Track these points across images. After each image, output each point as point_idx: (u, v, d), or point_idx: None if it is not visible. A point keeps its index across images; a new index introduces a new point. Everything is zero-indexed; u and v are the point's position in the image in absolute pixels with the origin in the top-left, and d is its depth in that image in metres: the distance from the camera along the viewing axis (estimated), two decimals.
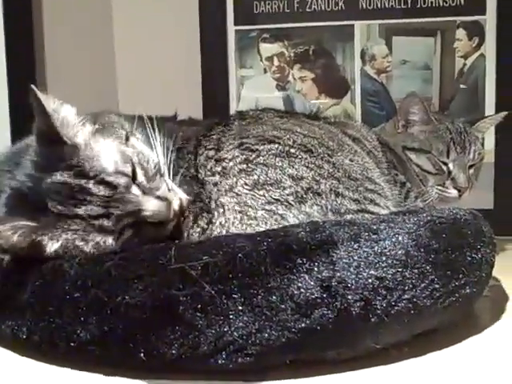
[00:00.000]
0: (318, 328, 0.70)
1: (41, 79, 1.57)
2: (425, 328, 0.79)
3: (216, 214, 0.86)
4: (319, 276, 0.71)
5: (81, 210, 0.77)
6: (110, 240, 0.78)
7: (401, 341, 0.77)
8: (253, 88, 1.64)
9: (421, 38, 1.58)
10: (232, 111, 1.62)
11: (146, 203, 0.79)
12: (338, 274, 0.71)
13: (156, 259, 0.73)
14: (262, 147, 0.90)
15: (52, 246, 0.78)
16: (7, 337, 0.81)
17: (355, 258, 0.73)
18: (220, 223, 0.85)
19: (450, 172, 1.21)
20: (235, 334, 0.70)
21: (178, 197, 0.82)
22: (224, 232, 0.83)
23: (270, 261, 0.71)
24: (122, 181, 0.79)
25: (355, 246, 0.73)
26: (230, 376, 0.73)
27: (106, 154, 0.80)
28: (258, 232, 0.77)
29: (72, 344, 0.75)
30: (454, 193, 1.20)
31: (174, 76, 1.67)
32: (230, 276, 0.70)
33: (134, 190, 0.80)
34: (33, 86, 0.77)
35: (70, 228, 0.77)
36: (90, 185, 0.77)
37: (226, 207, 0.86)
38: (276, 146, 0.90)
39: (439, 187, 1.20)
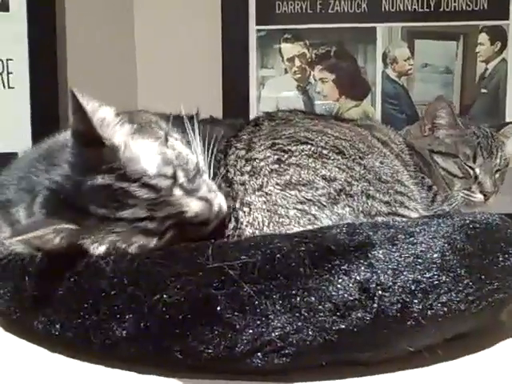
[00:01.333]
0: (355, 330, 0.70)
1: (61, 73, 1.58)
2: (458, 332, 0.79)
3: (241, 213, 0.86)
4: (357, 278, 0.71)
5: (125, 213, 0.76)
6: (154, 241, 0.78)
7: (434, 344, 0.77)
8: (273, 88, 1.64)
9: (443, 41, 1.58)
10: (252, 111, 1.62)
11: (189, 204, 0.79)
12: (376, 276, 0.71)
13: (194, 258, 0.73)
14: (294, 148, 0.90)
15: (97, 250, 0.77)
16: (39, 333, 0.81)
17: (393, 260, 0.73)
18: (248, 222, 0.85)
19: (476, 176, 1.20)
20: (273, 334, 0.69)
21: (218, 197, 0.83)
22: (257, 232, 0.83)
23: (309, 262, 0.71)
24: (164, 183, 0.78)
25: (393, 248, 0.73)
26: (265, 376, 0.72)
27: (147, 155, 0.79)
28: (294, 233, 0.77)
29: (107, 341, 0.75)
30: (480, 197, 1.20)
31: (195, 75, 1.66)
32: (269, 276, 0.70)
33: (177, 191, 0.79)
34: (72, 88, 0.75)
35: (113, 231, 0.77)
36: (133, 188, 0.76)
37: (253, 206, 0.85)
38: (309, 146, 0.90)
39: (465, 191, 1.20)
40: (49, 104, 1.52)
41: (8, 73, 1.49)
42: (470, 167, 1.21)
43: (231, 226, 0.85)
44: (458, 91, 1.58)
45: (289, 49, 1.63)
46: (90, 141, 0.77)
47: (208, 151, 0.90)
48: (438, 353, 0.76)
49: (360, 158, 0.91)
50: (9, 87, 1.49)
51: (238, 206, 0.86)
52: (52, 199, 0.78)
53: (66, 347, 0.80)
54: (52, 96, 1.53)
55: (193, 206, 0.79)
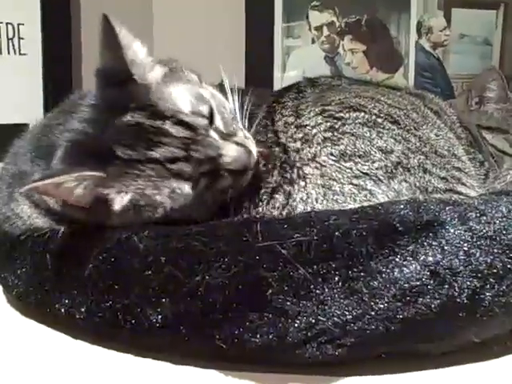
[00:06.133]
0: (421, 318, 0.63)
1: (75, 39, 1.51)
2: None
3: (296, 186, 0.78)
4: (426, 260, 0.63)
5: (156, 153, 0.69)
6: (186, 188, 0.71)
7: (502, 334, 0.69)
8: (299, 59, 1.56)
9: (482, 10, 1.51)
10: (276, 82, 1.54)
11: (226, 148, 0.73)
12: (447, 259, 0.63)
13: (239, 235, 0.65)
14: (346, 115, 0.82)
15: (122, 201, 0.69)
16: (61, 317, 0.74)
17: (464, 241, 0.65)
18: (301, 199, 0.77)
19: None
20: (329, 322, 0.62)
21: (254, 146, 0.77)
22: (309, 209, 0.75)
23: (372, 241, 0.63)
24: (200, 122, 0.72)
25: (464, 228, 0.65)
26: (316, 369, 0.66)
27: (180, 94, 0.73)
28: (353, 209, 0.69)
29: (138, 327, 0.67)
30: None
31: (217, 44, 1.59)
32: (327, 257, 0.63)
33: (213, 133, 0.73)
34: (106, 14, 0.69)
35: (141, 175, 0.69)
36: (167, 125, 0.70)
37: (309, 180, 0.78)
38: (362, 114, 0.83)
39: None
40: (62, 71, 1.45)
41: (19, 38, 1.41)
42: None
43: (280, 200, 0.77)
44: (497, 63, 1.51)
45: (317, 17, 1.55)
46: (120, 78, 0.71)
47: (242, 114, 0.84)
48: (506, 344, 0.70)
49: (415, 128, 0.83)
50: (20, 54, 1.42)
51: (295, 176, 0.78)
52: (74, 149, 0.70)
53: (92, 333, 0.73)
54: (65, 63, 1.47)
55: (230, 150, 0.73)
